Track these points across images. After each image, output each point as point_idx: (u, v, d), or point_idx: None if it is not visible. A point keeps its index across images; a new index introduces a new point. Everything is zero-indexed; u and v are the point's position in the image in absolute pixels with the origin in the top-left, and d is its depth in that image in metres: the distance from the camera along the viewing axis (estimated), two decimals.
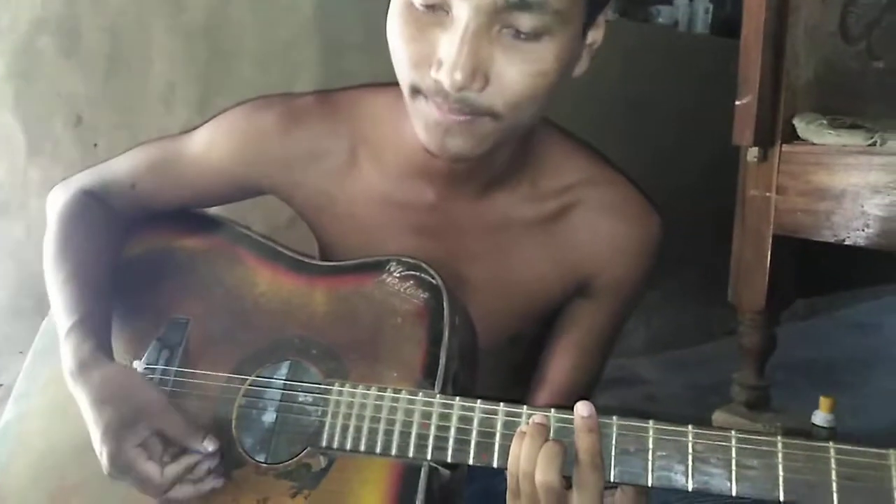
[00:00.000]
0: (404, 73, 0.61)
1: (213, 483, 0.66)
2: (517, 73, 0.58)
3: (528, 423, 0.58)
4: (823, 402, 1.50)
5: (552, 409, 0.59)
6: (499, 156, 0.69)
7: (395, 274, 0.69)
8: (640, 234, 0.75)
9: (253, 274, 0.77)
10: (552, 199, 0.74)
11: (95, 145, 1.35)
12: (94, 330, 0.71)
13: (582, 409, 0.56)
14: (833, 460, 0.51)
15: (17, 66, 1.26)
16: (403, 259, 0.70)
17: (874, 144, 1.28)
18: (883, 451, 0.50)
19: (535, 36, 0.57)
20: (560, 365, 0.77)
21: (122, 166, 0.83)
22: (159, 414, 0.66)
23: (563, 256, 0.74)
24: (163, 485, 0.64)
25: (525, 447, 0.56)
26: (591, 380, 0.79)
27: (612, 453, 0.56)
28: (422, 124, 0.62)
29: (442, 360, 0.64)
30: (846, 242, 1.32)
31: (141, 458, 0.63)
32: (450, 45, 0.57)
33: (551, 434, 0.58)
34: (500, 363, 0.78)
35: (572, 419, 0.57)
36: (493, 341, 0.76)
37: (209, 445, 0.66)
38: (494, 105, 0.59)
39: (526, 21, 0.56)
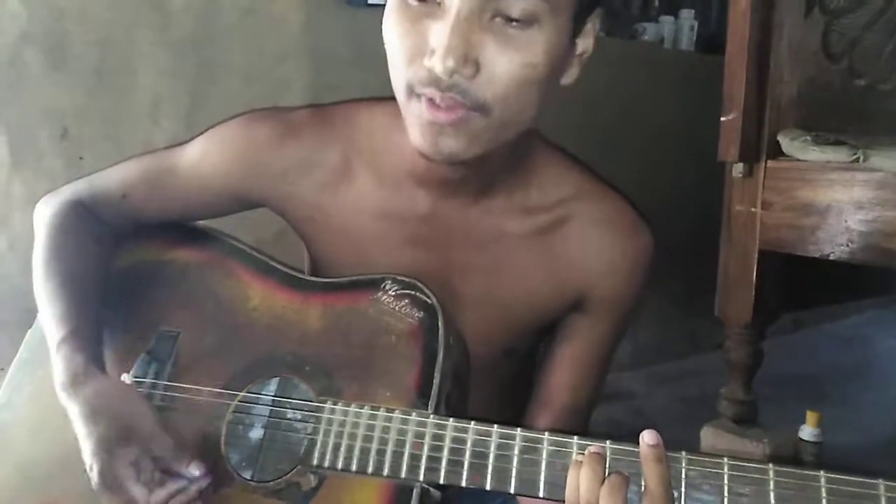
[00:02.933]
0: (400, 73, 0.62)
1: None
2: (507, 61, 0.59)
3: (581, 453, 0.57)
4: (810, 416, 1.51)
5: (575, 437, 0.58)
6: (491, 162, 0.69)
7: (390, 292, 0.68)
8: (632, 248, 0.75)
9: (245, 288, 0.76)
10: (545, 212, 0.74)
11: (81, 158, 1.34)
12: (87, 341, 0.70)
13: (648, 437, 0.55)
14: (823, 489, 0.52)
15: (2, 78, 1.25)
16: (399, 277, 0.69)
17: (857, 160, 1.30)
18: (872, 480, 0.51)
19: (525, 23, 0.59)
20: (559, 382, 0.77)
21: (112, 177, 0.82)
22: (149, 433, 0.65)
23: (556, 270, 0.74)
24: None
25: (584, 478, 0.55)
26: (590, 396, 0.79)
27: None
28: (416, 126, 0.63)
29: (436, 381, 0.63)
30: (830, 257, 1.34)
31: (130, 479, 0.62)
32: (441, 31, 0.58)
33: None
34: (493, 378, 0.78)
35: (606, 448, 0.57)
36: (487, 354, 0.75)
37: (195, 470, 0.65)
38: (485, 96, 0.60)
39: (516, 5, 0.58)
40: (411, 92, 0.62)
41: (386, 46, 0.63)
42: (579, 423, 0.78)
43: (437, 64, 0.58)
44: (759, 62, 1.41)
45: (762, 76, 1.41)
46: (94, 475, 0.62)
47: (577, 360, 0.77)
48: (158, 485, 0.63)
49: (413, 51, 0.60)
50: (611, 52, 2.13)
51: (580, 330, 0.77)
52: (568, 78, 0.67)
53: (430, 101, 0.61)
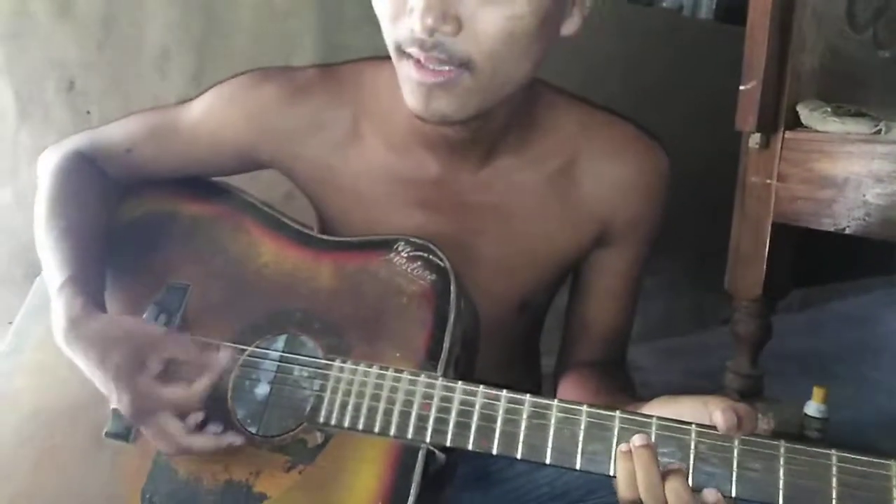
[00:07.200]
0: (388, 32, 0.62)
1: (233, 438, 0.65)
2: (489, 15, 0.57)
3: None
4: (816, 392, 1.50)
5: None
6: (494, 121, 0.68)
7: (402, 254, 0.68)
8: (647, 170, 0.74)
9: (257, 244, 0.75)
10: (554, 156, 0.73)
11: (88, 112, 1.32)
12: (86, 286, 0.69)
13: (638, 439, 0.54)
14: (834, 468, 0.51)
15: (9, 28, 1.23)
16: (412, 239, 0.68)
17: (879, 132, 1.27)
18: (885, 461, 0.50)
19: None
20: (594, 314, 0.78)
21: (118, 131, 0.81)
22: (164, 342, 0.65)
23: (573, 211, 0.74)
24: (194, 400, 0.63)
25: (643, 475, 0.52)
26: (627, 323, 0.79)
27: (613, 447, 0.55)
28: (407, 87, 0.62)
29: (446, 344, 0.63)
30: (846, 231, 1.32)
31: (163, 387, 0.63)
32: None
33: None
34: (502, 337, 0.77)
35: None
36: (502, 311, 0.75)
37: (223, 357, 0.65)
38: (470, 52, 0.59)
39: None
40: (400, 52, 0.61)
41: (373, 5, 0.62)
42: (619, 350, 0.79)
43: (416, 23, 0.56)
44: (782, 30, 1.37)
45: (784, 45, 1.38)
46: (125, 406, 0.62)
47: (609, 291, 0.77)
48: (196, 377, 0.63)
49: (396, 9, 0.59)
50: (628, 19, 2.08)
51: (608, 263, 0.77)
52: (568, 28, 0.64)
53: (417, 61, 0.59)
